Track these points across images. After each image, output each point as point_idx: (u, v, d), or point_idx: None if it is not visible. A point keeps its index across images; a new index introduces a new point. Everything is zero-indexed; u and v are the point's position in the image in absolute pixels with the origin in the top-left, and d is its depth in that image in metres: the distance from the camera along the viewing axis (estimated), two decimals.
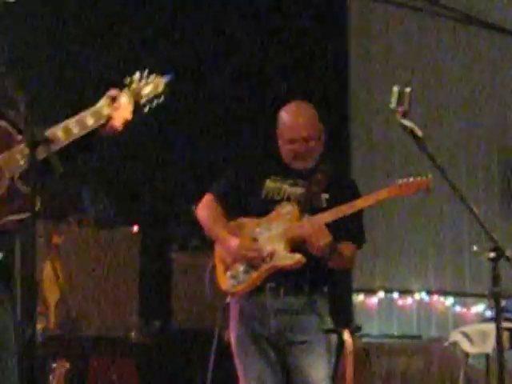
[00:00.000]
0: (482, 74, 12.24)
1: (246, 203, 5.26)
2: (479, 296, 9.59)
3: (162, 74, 4.25)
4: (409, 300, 10.78)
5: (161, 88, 4.23)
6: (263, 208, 5.16)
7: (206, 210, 5.32)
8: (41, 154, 3.61)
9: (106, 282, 7.52)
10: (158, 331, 7.79)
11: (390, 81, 10.21)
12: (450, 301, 10.49)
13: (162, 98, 4.23)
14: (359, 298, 10.41)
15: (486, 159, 12.02)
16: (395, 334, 10.26)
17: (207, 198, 5.30)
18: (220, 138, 8.48)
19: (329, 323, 5.11)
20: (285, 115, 5.27)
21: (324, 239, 4.84)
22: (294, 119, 5.24)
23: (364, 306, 10.50)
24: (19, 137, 3.89)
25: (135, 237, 7.83)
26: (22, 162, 3.85)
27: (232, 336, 5.14)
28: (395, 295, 10.63)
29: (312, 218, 5.01)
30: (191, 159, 8.44)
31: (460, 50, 11.98)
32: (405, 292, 10.76)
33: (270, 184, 5.21)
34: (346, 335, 4.87)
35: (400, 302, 10.75)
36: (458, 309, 10.69)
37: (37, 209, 3.63)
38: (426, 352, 7.33)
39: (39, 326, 6.71)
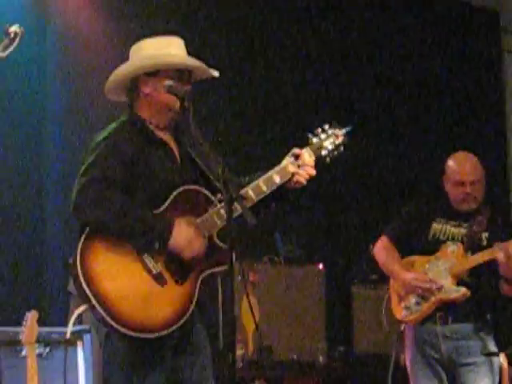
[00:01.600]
0: None
1: (416, 243, 5.48)
2: None
3: (340, 125, 4.27)
4: None
5: (340, 139, 4.24)
6: (431, 247, 5.39)
7: (382, 250, 5.54)
8: (236, 210, 3.71)
9: (296, 313, 7.65)
10: (342, 356, 7.92)
11: None
12: None
13: (342, 149, 4.24)
14: None
15: None
16: None
17: (383, 240, 5.55)
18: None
19: (491, 347, 5.24)
20: (452, 162, 5.45)
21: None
22: (462, 165, 5.41)
23: None
24: (214, 198, 4.03)
25: (321, 273, 7.86)
26: (218, 222, 3.95)
27: (407, 359, 5.42)
28: None
29: (501, 244, 5.06)
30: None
31: None
32: None
33: (436, 225, 5.43)
34: (502, 358, 4.82)
35: None
36: None
37: (233, 261, 3.67)
38: None
39: (239, 353, 6.98)
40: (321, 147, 4.18)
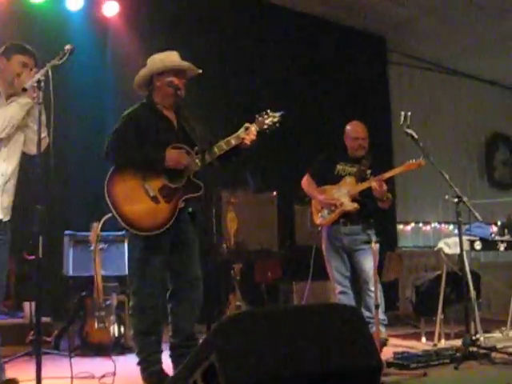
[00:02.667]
0: None
1: (327, 177, 5.33)
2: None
3: (277, 110, 4.13)
4: (428, 227, 10.17)
5: (276, 119, 4.09)
6: (335, 180, 5.27)
7: (306, 181, 5.39)
8: (207, 159, 3.81)
9: (260, 222, 7.42)
10: (288, 246, 7.65)
11: None
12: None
13: (278, 125, 4.09)
14: (400, 226, 9.84)
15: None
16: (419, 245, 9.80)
17: (307, 175, 5.41)
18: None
19: (373, 238, 4.92)
20: (351, 126, 5.33)
21: (383, 188, 4.96)
22: (356, 126, 5.31)
23: (403, 231, 9.89)
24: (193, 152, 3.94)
25: (274, 197, 7.70)
26: (195, 167, 3.91)
27: (323, 247, 5.32)
28: (420, 224, 10.07)
29: (375, 177, 5.03)
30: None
31: None
32: (425, 222, 10.15)
33: (339, 166, 5.29)
34: (374, 245, 4.64)
35: (423, 228, 10.12)
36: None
37: (202, 191, 3.92)
38: (434, 254, 7.15)
39: (224, 246, 6.80)
40: (263, 123, 4.07)
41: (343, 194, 5.21)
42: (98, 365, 4.56)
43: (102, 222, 5.25)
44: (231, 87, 7.83)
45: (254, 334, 1.84)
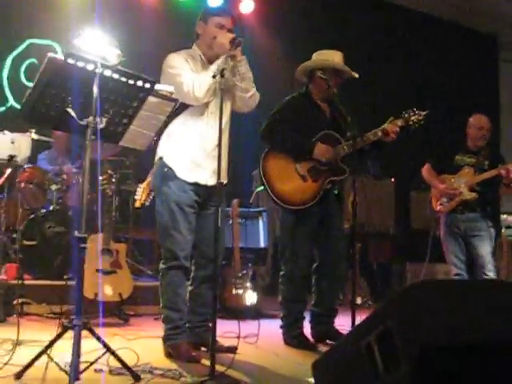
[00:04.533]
0: None
1: (445, 167, 5.44)
2: None
3: (422, 109, 4.30)
4: None
5: (421, 117, 4.24)
6: (454, 170, 5.37)
7: (426, 171, 5.53)
8: (357, 145, 4.03)
9: (378, 207, 7.41)
10: (403, 229, 7.67)
11: None
12: None
13: (422, 123, 4.24)
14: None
15: None
16: None
17: (427, 165, 5.54)
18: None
19: (490, 225, 5.27)
20: (474, 117, 5.40)
21: (511, 175, 5.00)
22: (481, 118, 5.39)
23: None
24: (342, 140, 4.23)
25: (392, 184, 7.80)
26: (342, 152, 4.19)
27: (441, 233, 5.44)
28: None
29: (503, 166, 5.10)
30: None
31: None
32: None
33: (458, 157, 5.38)
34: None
35: None
36: None
37: (346, 175, 4.25)
38: None
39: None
40: (409, 120, 4.26)
41: (462, 184, 5.30)
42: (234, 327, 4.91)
43: (253, 195, 5.55)
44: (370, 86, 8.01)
45: (442, 300, 1.87)
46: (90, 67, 2.81)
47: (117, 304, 5.07)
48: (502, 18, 8.98)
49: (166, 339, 3.75)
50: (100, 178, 5.58)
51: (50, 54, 2.74)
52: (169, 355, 3.68)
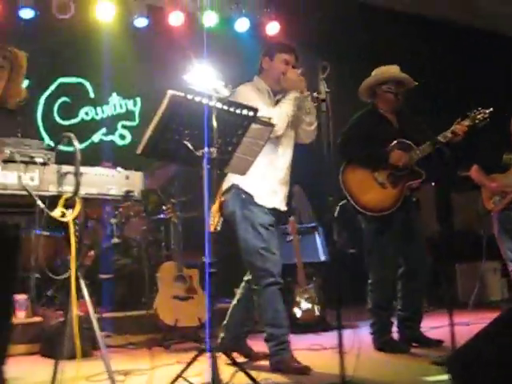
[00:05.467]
0: None
1: (494, 167, 5.53)
2: None
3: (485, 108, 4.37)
4: None
5: (486, 115, 4.35)
6: (502, 168, 5.45)
7: (476, 172, 5.59)
8: (428, 150, 4.19)
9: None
10: (446, 231, 7.08)
11: None
12: None
13: (488, 120, 4.34)
14: None
15: None
16: None
17: (475, 166, 5.62)
18: None
19: None
20: None
21: None
22: None
23: None
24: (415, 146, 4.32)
25: (433, 187, 7.24)
26: (415, 157, 4.31)
27: (495, 231, 5.48)
28: None
29: None
30: None
31: None
32: None
33: (505, 156, 5.40)
34: None
35: None
36: None
37: (423, 178, 4.33)
38: None
39: None
40: (475, 118, 4.36)
41: None
42: (311, 340, 4.95)
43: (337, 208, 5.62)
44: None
45: None
46: (206, 101, 2.96)
47: (196, 329, 5.14)
48: None
49: (272, 355, 3.84)
50: (163, 207, 5.78)
51: (171, 91, 2.91)
52: (277, 371, 3.78)
